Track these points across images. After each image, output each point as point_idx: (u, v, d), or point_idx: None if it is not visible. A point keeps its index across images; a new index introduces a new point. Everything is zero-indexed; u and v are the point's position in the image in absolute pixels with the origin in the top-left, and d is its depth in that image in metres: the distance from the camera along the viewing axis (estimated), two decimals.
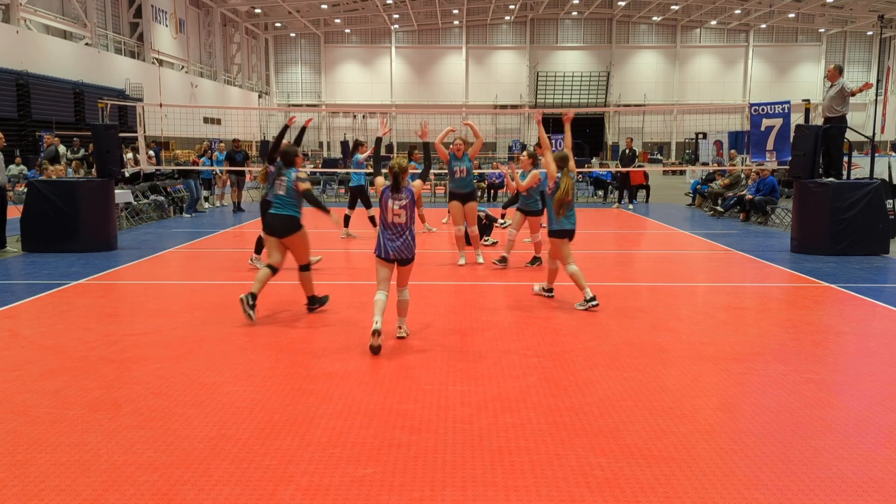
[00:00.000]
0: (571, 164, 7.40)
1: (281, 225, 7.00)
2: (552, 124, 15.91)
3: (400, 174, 5.93)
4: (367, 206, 12.79)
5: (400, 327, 6.30)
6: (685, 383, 5.07)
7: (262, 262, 8.27)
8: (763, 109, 12.19)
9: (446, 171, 12.40)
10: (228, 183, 18.97)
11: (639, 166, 22.18)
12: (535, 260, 10.05)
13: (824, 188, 10.82)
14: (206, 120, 39.27)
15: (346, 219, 12.90)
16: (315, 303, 7.31)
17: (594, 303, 7.30)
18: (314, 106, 55.47)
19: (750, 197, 15.51)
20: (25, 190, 12.93)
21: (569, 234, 7.45)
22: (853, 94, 11.40)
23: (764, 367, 5.44)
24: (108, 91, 28.96)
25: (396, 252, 5.99)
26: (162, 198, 16.61)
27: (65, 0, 30.63)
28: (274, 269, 7.03)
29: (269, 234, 7.10)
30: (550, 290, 8.03)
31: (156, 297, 8.07)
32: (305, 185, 7.00)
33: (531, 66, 56.30)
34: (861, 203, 10.73)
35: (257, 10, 50.03)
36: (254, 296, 6.78)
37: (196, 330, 6.53)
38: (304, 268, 7.22)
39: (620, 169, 20.10)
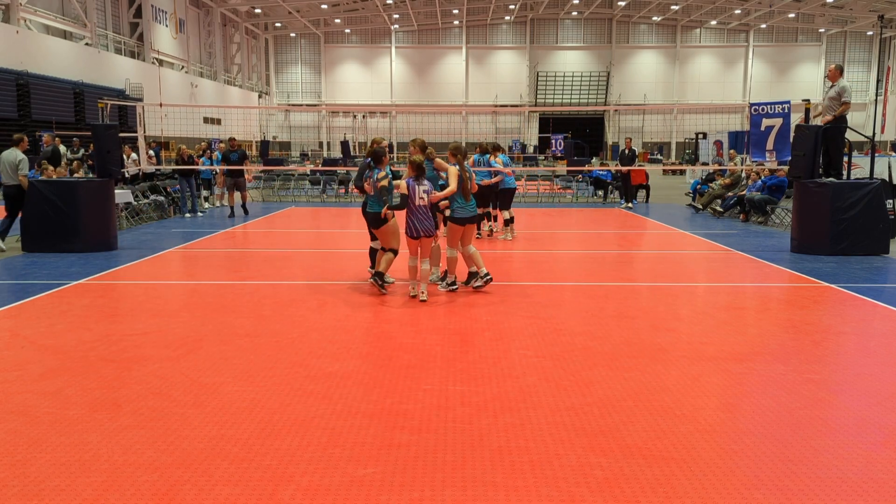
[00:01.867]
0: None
1: (372, 219, 8.14)
2: (552, 124, 15.87)
3: (421, 165, 7.87)
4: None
5: (423, 291, 7.72)
6: (685, 383, 5.07)
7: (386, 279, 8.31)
8: (763, 109, 12.19)
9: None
10: (225, 186, 18.21)
11: (639, 166, 22.18)
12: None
13: (824, 188, 10.82)
14: (206, 120, 39.28)
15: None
16: (379, 277, 8.07)
17: (488, 278, 8.24)
18: (314, 106, 55.47)
19: (751, 194, 15.51)
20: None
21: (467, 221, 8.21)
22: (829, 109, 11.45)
23: (764, 367, 5.44)
24: (108, 91, 28.98)
25: (424, 231, 7.83)
26: (162, 198, 16.61)
27: (65, 0, 30.63)
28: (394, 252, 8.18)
29: (369, 227, 8.39)
30: (454, 284, 8.32)
31: (156, 297, 8.07)
32: (381, 183, 7.91)
33: (531, 66, 56.29)
34: (861, 203, 10.73)
35: (257, 10, 50.04)
36: (380, 274, 8.04)
37: (196, 330, 6.53)
38: (391, 251, 8.09)
39: (621, 168, 20.10)
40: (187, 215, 16.84)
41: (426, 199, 7.78)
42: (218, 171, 18.39)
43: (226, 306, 7.51)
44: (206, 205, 19.09)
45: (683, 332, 6.50)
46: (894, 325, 6.86)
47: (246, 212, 16.95)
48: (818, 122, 11.45)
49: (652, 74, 56.62)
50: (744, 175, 17.27)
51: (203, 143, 19.29)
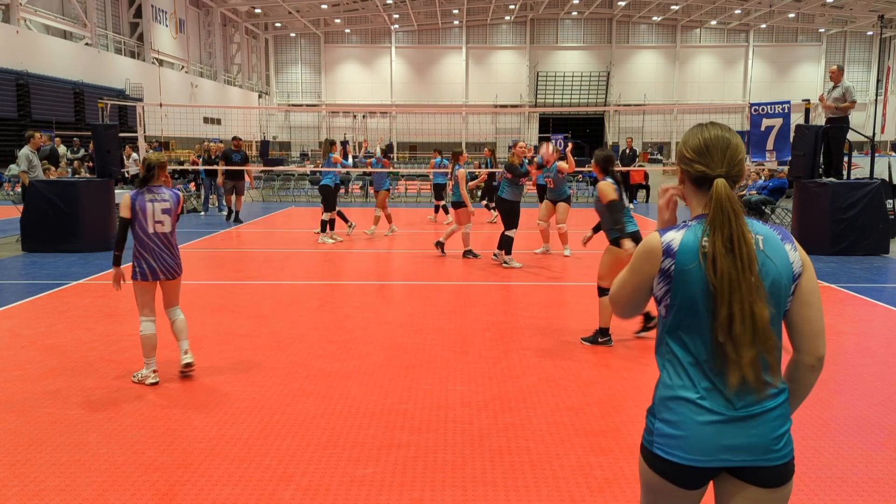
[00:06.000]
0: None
1: (453, 207, 10.76)
2: (552, 124, 15.90)
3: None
4: (330, 209, 12.40)
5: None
6: None
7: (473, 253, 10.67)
8: (763, 109, 12.19)
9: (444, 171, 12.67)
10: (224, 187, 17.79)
11: (640, 166, 22.18)
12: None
13: (824, 188, 10.82)
14: (206, 120, 39.26)
15: (330, 223, 12.47)
16: (469, 254, 10.68)
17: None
18: (314, 106, 55.47)
19: (749, 194, 15.49)
20: (20, 190, 13.02)
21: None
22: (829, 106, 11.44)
23: None
24: (108, 91, 28.97)
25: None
26: None
27: (65, 0, 30.62)
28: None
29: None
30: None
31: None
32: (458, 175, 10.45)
33: (531, 66, 56.27)
34: (861, 203, 10.73)
35: (257, 10, 50.02)
36: (441, 243, 10.84)
37: (196, 330, 6.53)
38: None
39: (621, 168, 20.10)
40: (203, 213, 17.12)
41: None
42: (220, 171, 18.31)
43: (226, 306, 7.51)
44: (209, 204, 19.07)
45: None
46: (894, 325, 6.86)
47: (239, 220, 15.90)
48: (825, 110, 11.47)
49: (652, 74, 56.59)
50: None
51: (219, 144, 19.27)
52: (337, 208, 12.67)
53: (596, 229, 6.79)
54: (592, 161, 6.38)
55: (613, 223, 6.03)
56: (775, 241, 1.86)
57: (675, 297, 1.85)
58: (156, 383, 5.00)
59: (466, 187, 10.62)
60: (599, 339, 6.06)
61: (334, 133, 55.68)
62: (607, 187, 6.04)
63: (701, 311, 1.82)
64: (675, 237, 1.87)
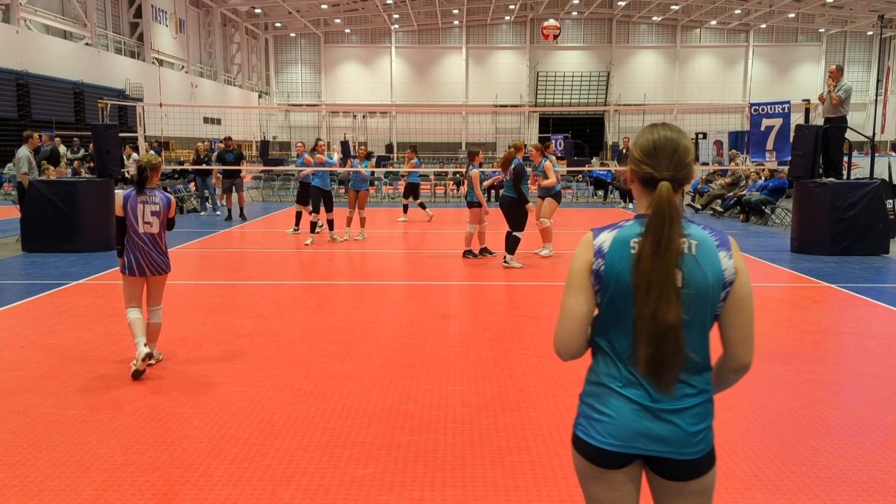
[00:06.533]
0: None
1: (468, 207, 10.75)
2: (552, 124, 15.89)
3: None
4: (316, 210, 12.31)
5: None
6: None
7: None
8: (763, 109, 12.19)
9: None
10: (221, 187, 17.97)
11: None
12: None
13: (824, 188, 10.82)
14: (206, 120, 39.24)
15: (329, 223, 12.44)
16: (469, 254, 10.58)
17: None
18: (314, 106, 55.46)
19: (750, 194, 15.50)
20: (15, 191, 13.03)
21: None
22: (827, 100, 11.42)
23: (764, 367, 5.44)
24: (108, 91, 28.96)
25: None
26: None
27: (65, 0, 30.62)
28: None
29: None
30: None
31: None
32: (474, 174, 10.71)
33: (531, 66, 56.26)
34: (861, 203, 10.73)
35: (257, 10, 50.01)
36: (470, 251, 10.58)
37: (196, 330, 6.53)
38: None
39: (620, 168, 20.11)
40: (202, 213, 17.16)
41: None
42: (215, 171, 18.37)
43: (226, 306, 7.51)
44: (207, 204, 19.07)
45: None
46: (894, 325, 6.86)
47: (243, 217, 16.27)
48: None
49: (652, 74, 56.57)
50: (743, 175, 17.27)
51: (206, 143, 19.27)
52: (317, 212, 12.38)
53: None
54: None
55: None
56: (709, 248, 1.89)
57: (604, 296, 1.92)
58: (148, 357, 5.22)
59: (481, 187, 10.65)
60: None
61: (334, 133, 55.70)
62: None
63: (623, 309, 1.89)
64: (606, 238, 1.93)
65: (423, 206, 16.45)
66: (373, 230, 13.85)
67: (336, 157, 13.08)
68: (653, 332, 1.82)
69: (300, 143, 13.80)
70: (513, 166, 9.76)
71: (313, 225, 12.57)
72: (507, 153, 9.92)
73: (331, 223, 12.57)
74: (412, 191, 16.25)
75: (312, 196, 12.34)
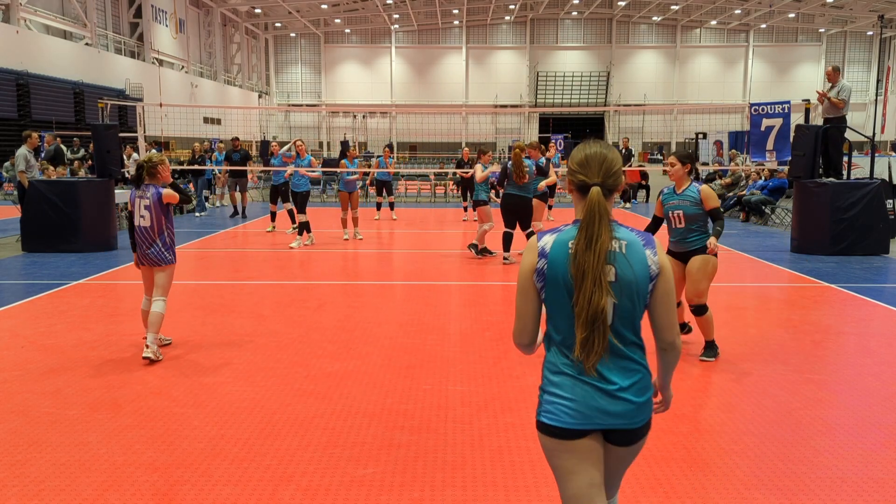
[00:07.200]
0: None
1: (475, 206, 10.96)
2: (552, 124, 15.91)
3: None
4: (300, 209, 12.14)
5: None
6: (685, 383, 5.07)
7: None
8: (763, 109, 12.19)
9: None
10: (227, 185, 18.55)
11: (640, 165, 22.20)
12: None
13: (824, 188, 10.82)
14: (206, 120, 39.24)
15: (303, 225, 12.12)
16: (473, 248, 10.62)
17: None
18: (314, 106, 55.45)
19: (750, 193, 15.49)
20: (16, 191, 13.03)
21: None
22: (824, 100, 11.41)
23: (764, 367, 5.44)
24: (108, 91, 28.94)
25: None
26: None
27: (65, 0, 30.61)
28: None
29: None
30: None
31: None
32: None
33: (531, 66, 56.26)
34: (861, 203, 10.73)
35: (257, 10, 50.00)
36: (475, 245, 10.54)
37: (196, 330, 6.53)
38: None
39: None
40: (197, 214, 17.17)
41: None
42: (220, 171, 18.49)
43: (226, 306, 7.51)
44: (207, 204, 19.13)
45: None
46: (894, 325, 6.86)
47: (244, 215, 16.80)
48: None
49: (652, 74, 56.57)
50: (743, 175, 17.27)
51: (206, 143, 19.33)
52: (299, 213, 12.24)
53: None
54: (676, 159, 5.64)
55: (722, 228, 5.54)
56: (637, 247, 2.20)
57: (549, 292, 2.22)
58: (149, 359, 5.49)
59: (486, 186, 10.77)
60: (717, 350, 5.70)
61: (334, 133, 55.71)
62: (710, 191, 5.57)
63: (566, 301, 2.18)
64: (548, 241, 2.23)
65: (391, 206, 16.80)
66: (370, 230, 13.84)
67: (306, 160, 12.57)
68: (588, 316, 2.11)
69: (300, 142, 13.35)
70: (533, 166, 9.95)
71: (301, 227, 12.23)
72: (514, 155, 9.91)
73: (302, 226, 12.14)
74: (389, 188, 16.69)
75: (290, 196, 12.29)
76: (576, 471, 2.22)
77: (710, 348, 5.73)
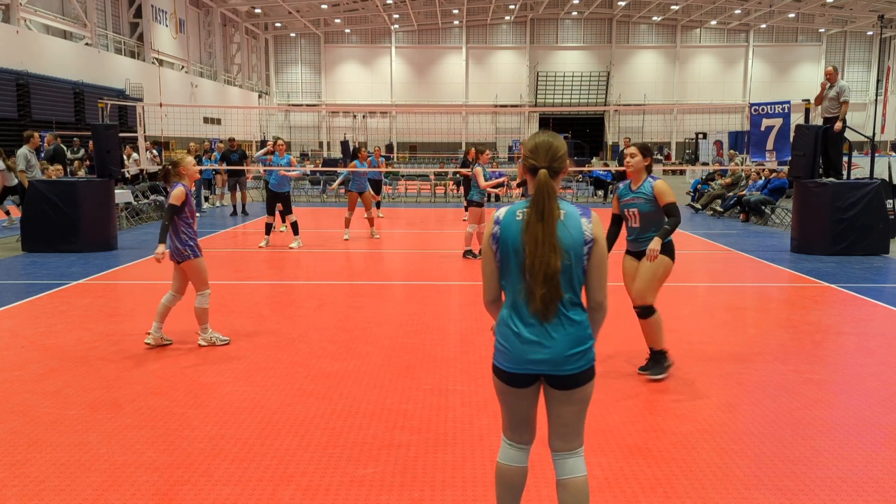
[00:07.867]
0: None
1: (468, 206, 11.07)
2: (552, 124, 15.91)
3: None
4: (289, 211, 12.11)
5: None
6: (685, 383, 5.07)
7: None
8: (763, 109, 12.18)
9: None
10: (226, 185, 18.61)
11: None
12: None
13: (824, 188, 10.82)
14: (206, 120, 39.23)
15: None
16: (469, 255, 10.59)
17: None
18: (314, 106, 55.45)
19: (750, 193, 15.49)
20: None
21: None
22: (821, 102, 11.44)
23: (764, 367, 5.44)
24: (108, 91, 28.93)
25: None
26: (162, 198, 16.63)
27: (65, 0, 30.61)
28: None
29: None
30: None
31: (156, 297, 8.03)
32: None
33: (531, 66, 56.25)
34: (861, 203, 10.73)
35: (257, 10, 50.00)
36: (470, 251, 10.54)
37: (196, 330, 6.52)
38: None
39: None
40: (196, 214, 17.20)
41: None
42: (220, 170, 18.53)
43: (226, 306, 7.50)
44: (206, 204, 19.15)
45: (683, 333, 6.50)
46: (894, 325, 6.86)
47: (245, 213, 17.05)
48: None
49: (652, 74, 56.56)
50: (744, 175, 17.27)
51: (205, 143, 19.38)
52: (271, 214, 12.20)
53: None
54: (638, 150, 5.17)
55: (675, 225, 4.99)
56: (574, 216, 2.62)
57: (501, 253, 2.65)
58: (149, 344, 5.92)
59: (482, 189, 10.71)
60: (665, 364, 5.13)
61: (334, 133, 55.74)
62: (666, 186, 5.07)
63: (514, 262, 2.61)
64: (502, 211, 2.69)
65: (378, 204, 16.61)
66: (370, 230, 13.83)
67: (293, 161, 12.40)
68: (545, 275, 2.51)
69: (281, 141, 12.65)
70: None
71: (268, 227, 12.10)
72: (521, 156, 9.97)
73: (294, 226, 12.09)
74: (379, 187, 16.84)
75: (288, 206, 12.02)
76: (510, 404, 2.74)
77: (657, 361, 5.11)
